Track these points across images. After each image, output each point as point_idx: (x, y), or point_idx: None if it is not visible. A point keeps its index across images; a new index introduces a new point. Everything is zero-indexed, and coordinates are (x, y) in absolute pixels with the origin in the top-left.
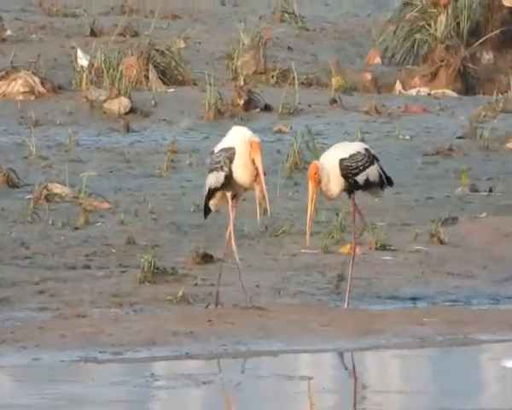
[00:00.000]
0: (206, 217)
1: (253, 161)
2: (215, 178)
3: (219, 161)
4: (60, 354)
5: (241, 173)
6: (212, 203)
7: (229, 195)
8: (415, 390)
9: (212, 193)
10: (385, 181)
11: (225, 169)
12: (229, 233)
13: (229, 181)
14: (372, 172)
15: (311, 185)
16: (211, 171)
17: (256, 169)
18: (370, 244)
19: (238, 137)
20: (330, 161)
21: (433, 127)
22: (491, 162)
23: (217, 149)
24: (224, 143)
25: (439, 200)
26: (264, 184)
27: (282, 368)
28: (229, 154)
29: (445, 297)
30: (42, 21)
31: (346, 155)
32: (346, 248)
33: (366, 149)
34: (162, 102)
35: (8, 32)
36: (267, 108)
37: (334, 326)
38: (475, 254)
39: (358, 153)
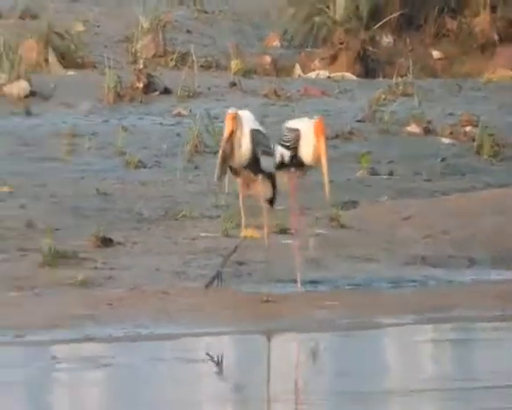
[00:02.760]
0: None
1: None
2: (282, 154)
3: (289, 140)
4: None
5: (307, 153)
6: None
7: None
8: (315, 373)
9: (278, 167)
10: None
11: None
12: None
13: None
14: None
15: (227, 128)
16: (281, 145)
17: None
18: (270, 228)
19: (305, 120)
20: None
21: (333, 110)
22: (390, 146)
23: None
24: (291, 123)
25: (340, 183)
26: (324, 167)
27: (182, 351)
28: (296, 134)
29: (346, 281)
30: None
31: (256, 128)
32: (246, 232)
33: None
34: (62, 85)
35: None
36: (166, 91)
37: (234, 309)
38: (376, 238)
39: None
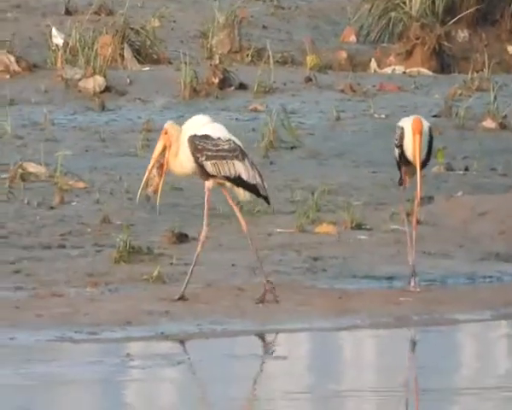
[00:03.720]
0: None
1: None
2: (395, 152)
3: (396, 138)
4: (35, 334)
5: (407, 150)
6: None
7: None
8: (390, 369)
9: (398, 165)
10: (256, 188)
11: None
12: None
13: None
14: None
15: (158, 143)
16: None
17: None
18: (345, 223)
19: (409, 118)
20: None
21: (409, 106)
22: (466, 141)
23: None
24: (400, 121)
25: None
26: (418, 167)
27: (256, 348)
28: (400, 132)
29: (421, 277)
30: (17, 0)
31: (199, 133)
32: (321, 228)
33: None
34: (137, 80)
35: None
36: (242, 87)
37: (309, 306)
38: (451, 234)
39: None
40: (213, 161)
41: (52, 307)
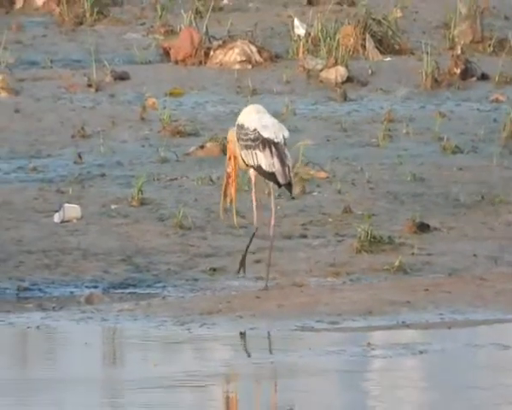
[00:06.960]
0: None
1: None
2: None
3: None
4: (276, 323)
5: None
6: None
7: None
8: None
9: None
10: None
11: None
12: None
13: None
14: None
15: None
16: None
17: None
18: None
19: None
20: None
21: None
22: None
23: None
24: None
25: None
26: None
27: (498, 337)
28: None
29: None
30: None
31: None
32: None
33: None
34: (379, 71)
35: (225, 1)
36: (484, 77)
37: None
38: None
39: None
40: (244, 151)
41: (293, 296)
